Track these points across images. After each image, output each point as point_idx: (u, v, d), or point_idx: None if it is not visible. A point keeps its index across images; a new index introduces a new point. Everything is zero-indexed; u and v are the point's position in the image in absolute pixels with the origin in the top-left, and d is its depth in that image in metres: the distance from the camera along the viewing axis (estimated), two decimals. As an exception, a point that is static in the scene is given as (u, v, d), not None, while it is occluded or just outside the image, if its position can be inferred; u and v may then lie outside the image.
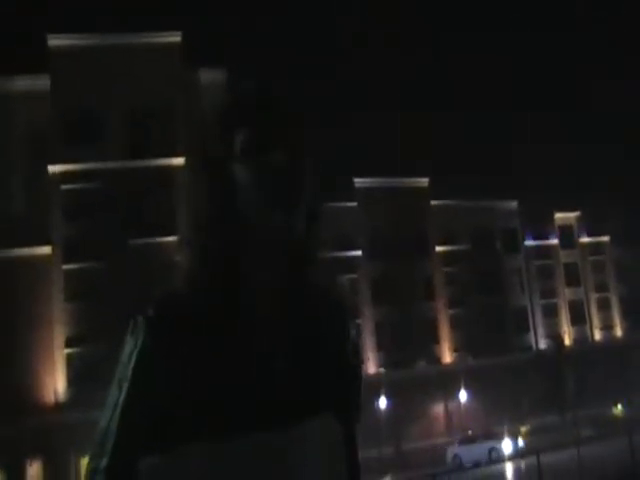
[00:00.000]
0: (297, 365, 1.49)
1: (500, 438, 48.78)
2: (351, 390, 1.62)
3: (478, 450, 46.95)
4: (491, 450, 47.23)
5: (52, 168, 50.69)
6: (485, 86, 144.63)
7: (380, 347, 66.17)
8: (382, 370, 63.18)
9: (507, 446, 47.58)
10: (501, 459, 44.94)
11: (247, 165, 1.47)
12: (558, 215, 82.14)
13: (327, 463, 1.48)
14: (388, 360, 64.98)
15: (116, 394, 1.44)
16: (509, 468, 42.92)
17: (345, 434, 1.55)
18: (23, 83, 53.25)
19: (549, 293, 79.97)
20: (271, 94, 1.53)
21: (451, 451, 50.23)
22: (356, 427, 1.64)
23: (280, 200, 1.44)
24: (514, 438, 48.71)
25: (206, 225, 1.50)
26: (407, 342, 65.93)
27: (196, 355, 1.42)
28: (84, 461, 42.31)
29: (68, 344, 49.07)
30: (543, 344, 74.45)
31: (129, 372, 1.43)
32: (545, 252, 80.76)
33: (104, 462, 1.42)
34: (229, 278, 1.48)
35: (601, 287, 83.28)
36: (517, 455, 45.23)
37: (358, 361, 1.64)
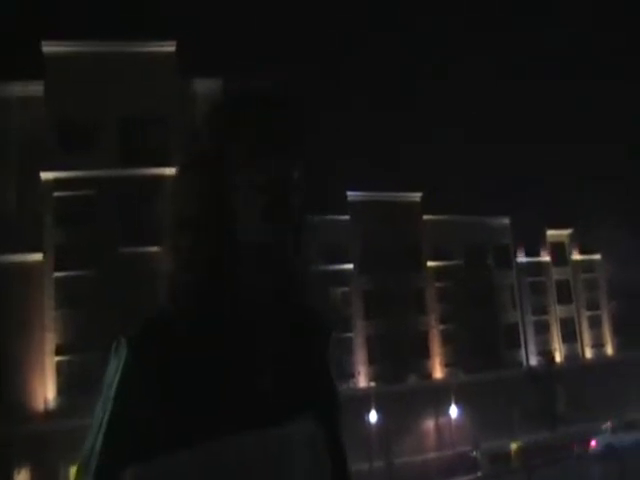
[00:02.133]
0: (280, 378, 1.49)
1: None
2: (332, 399, 1.62)
3: None
4: None
5: (45, 175, 50.59)
6: (482, 100, 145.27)
7: (371, 361, 66.15)
8: (372, 384, 63.14)
9: None
10: None
11: (236, 175, 1.45)
12: (550, 232, 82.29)
13: (314, 469, 1.48)
14: (379, 374, 64.95)
15: (100, 415, 1.43)
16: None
17: (331, 440, 1.56)
18: (16, 89, 53.06)
19: (540, 310, 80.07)
20: (267, 100, 1.50)
21: (601, 439, 46.90)
22: (341, 433, 1.64)
23: (268, 216, 1.42)
24: None
25: (191, 228, 1.46)
26: (398, 356, 65.90)
27: (180, 372, 1.41)
28: (73, 470, 42.11)
29: (58, 352, 48.89)
30: (534, 361, 74.48)
31: (112, 394, 1.42)
32: (537, 269, 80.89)
33: None
34: (214, 288, 1.45)
35: (592, 305, 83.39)
36: None
37: (333, 375, 1.65)
